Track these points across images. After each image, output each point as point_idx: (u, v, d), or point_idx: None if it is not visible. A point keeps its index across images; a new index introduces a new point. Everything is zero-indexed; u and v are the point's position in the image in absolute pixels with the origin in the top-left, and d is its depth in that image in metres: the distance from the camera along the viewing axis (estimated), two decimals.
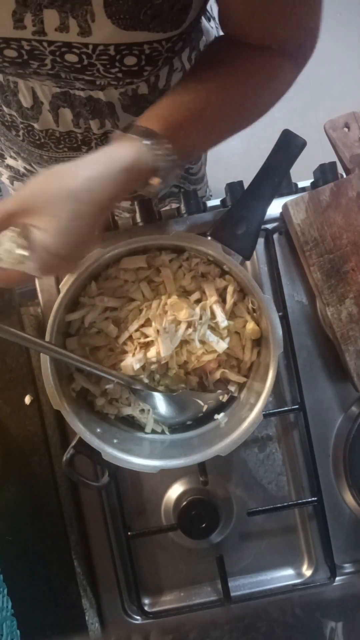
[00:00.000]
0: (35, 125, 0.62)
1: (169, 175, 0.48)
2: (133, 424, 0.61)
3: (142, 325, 0.58)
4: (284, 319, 0.64)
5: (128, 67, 0.49)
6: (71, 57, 0.47)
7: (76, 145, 0.65)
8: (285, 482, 0.67)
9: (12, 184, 0.85)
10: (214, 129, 0.52)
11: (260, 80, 0.53)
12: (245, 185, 0.58)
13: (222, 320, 0.57)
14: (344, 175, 0.66)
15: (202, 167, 0.90)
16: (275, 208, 0.64)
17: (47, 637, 0.63)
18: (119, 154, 0.45)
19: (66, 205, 0.41)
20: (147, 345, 0.58)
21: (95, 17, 0.43)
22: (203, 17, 0.63)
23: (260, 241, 0.66)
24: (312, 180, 0.69)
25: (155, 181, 0.48)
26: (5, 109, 0.62)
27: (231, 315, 0.59)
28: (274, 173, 0.56)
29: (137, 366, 0.57)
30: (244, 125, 0.55)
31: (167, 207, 0.97)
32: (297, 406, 0.65)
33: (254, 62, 0.52)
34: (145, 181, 0.48)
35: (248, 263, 0.66)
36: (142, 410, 0.60)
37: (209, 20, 0.67)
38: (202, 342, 0.57)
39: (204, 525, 0.63)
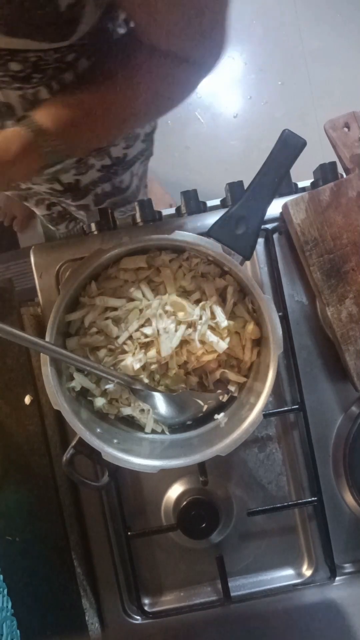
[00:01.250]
0: None
1: (58, 164, 0.52)
2: (133, 424, 0.61)
3: (142, 325, 0.58)
4: (284, 319, 0.64)
5: (14, 72, 0.49)
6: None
7: None
8: (285, 482, 0.67)
9: None
10: (101, 127, 0.55)
11: (156, 85, 0.55)
12: (245, 185, 0.58)
13: (222, 320, 0.57)
14: (344, 175, 0.66)
15: (132, 181, 0.89)
16: (275, 208, 0.64)
17: (47, 637, 0.63)
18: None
19: None
20: (147, 345, 0.58)
21: None
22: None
23: (260, 241, 0.66)
24: (312, 180, 0.69)
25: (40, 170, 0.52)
26: None
27: (231, 315, 0.59)
28: (274, 173, 0.56)
29: (137, 366, 0.57)
30: (131, 126, 0.59)
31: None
32: (297, 406, 0.65)
33: (153, 67, 0.54)
34: (34, 166, 0.51)
35: (248, 263, 0.66)
36: (142, 410, 0.60)
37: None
38: (202, 342, 0.57)
39: (204, 525, 0.63)
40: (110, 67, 0.54)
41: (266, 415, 0.64)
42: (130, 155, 0.80)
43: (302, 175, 0.69)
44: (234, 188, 0.68)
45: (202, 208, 0.68)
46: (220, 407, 0.61)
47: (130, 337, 0.58)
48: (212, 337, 0.57)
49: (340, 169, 0.67)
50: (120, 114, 0.55)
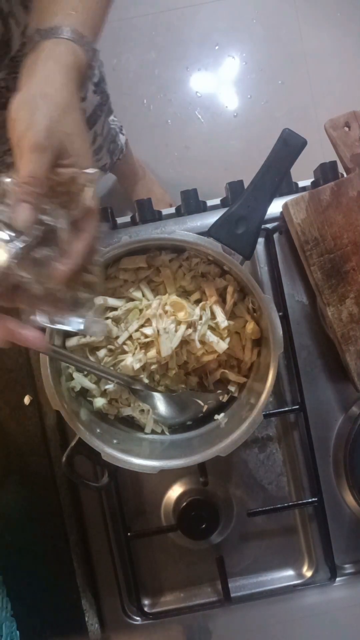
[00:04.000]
0: None
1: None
2: (133, 425, 0.61)
3: (142, 325, 0.58)
4: (284, 319, 0.64)
5: None
6: None
7: None
8: (285, 482, 0.67)
9: None
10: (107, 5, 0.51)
11: None
12: (245, 185, 0.58)
13: (222, 320, 0.57)
14: (345, 175, 0.66)
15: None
16: (275, 207, 0.64)
17: (47, 637, 0.63)
18: (67, 64, 0.44)
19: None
20: (147, 345, 0.58)
21: None
22: None
23: (261, 241, 0.66)
24: (312, 179, 0.69)
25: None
26: None
27: (231, 315, 0.59)
28: (275, 172, 0.55)
29: (137, 366, 0.57)
30: None
31: None
32: (297, 406, 0.64)
33: None
34: (84, 83, 0.48)
35: (248, 263, 0.66)
36: (142, 411, 0.59)
37: None
38: (202, 342, 0.57)
39: (204, 526, 0.63)
40: None
41: (266, 415, 0.64)
42: (88, 112, 0.78)
43: (303, 174, 0.69)
44: (234, 187, 0.67)
45: (202, 208, 0.68)
46: (221, 408, 0.60)
47: (130, 337, 0.58)
48: (212, 337, 0.57)
49: (340, 169, 0.67)
50: None
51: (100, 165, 0.99)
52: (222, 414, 0.59)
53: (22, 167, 0.38)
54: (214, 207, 0.69)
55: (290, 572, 0.67)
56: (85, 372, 0.58)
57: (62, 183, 0.41)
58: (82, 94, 0.49)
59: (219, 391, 0.59)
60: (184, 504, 0.64)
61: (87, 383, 0.58)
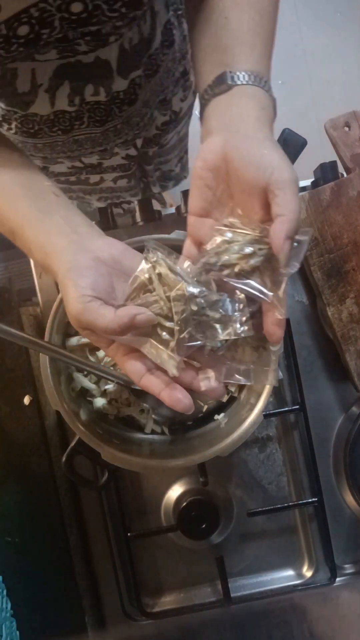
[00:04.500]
0: (30, 112, 0.61)
1: None
2: (133, 424, 0.61)
3: None
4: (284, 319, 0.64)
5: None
6: (76, 7, 0.47)
7: (68, 125, 0.64)
8: (285, 482, 0.67)
9: None
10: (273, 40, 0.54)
11: None
12: None
13: None
14: (345, 175, 0.66)
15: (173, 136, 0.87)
16: None
17: (47, 637, 0.63)
18: (268, 116, 0.46)
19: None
20: None
21: None
22: None
23: None
24: (312, 179, 0.69)
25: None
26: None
27: None
28: None
29: None
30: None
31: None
32: (297, 406, 0.64)
33: None
34: None
35: None
36: (142, 411, 0.59)
37: None
38: None
39: (203, 526, 0.63)
40: None
41: (266, 415, 0.64)
42: (183, 110, 0.79)
43: (303, 174, 0.69)
44: None
45: None
46: (221, 408, 0.60)
47: None
48: None
49: (340, 169, 0.67)
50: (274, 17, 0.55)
51: None
52: (222, 414, 0.59)
53: (283, 204, 0.39)
54: None
55: (290, 572, 0.67)
56: (85, 372, 0.58)
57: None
58: None
59: None
60: (184, 504, 0.64)
61: (87, 383, 0.58)
